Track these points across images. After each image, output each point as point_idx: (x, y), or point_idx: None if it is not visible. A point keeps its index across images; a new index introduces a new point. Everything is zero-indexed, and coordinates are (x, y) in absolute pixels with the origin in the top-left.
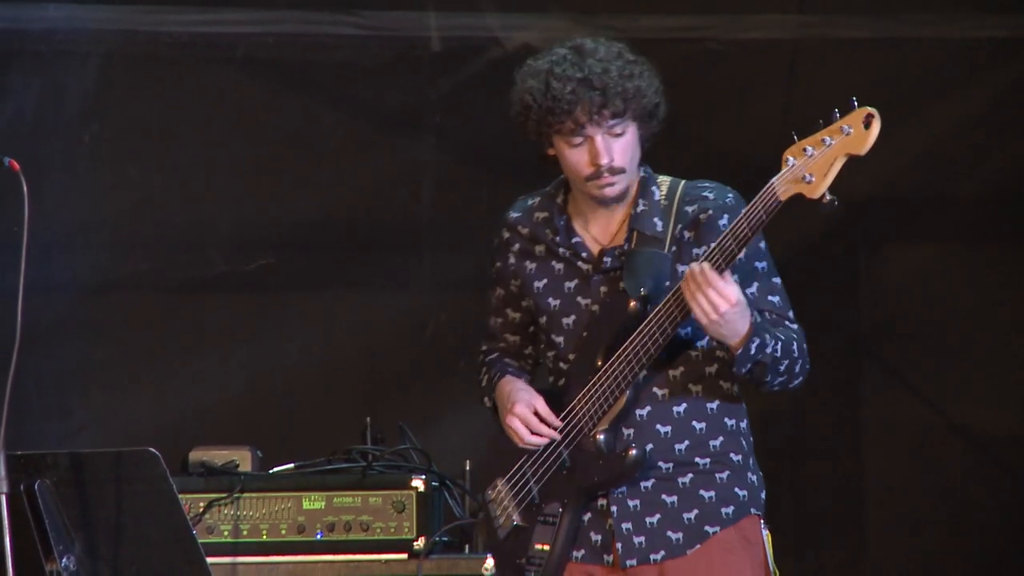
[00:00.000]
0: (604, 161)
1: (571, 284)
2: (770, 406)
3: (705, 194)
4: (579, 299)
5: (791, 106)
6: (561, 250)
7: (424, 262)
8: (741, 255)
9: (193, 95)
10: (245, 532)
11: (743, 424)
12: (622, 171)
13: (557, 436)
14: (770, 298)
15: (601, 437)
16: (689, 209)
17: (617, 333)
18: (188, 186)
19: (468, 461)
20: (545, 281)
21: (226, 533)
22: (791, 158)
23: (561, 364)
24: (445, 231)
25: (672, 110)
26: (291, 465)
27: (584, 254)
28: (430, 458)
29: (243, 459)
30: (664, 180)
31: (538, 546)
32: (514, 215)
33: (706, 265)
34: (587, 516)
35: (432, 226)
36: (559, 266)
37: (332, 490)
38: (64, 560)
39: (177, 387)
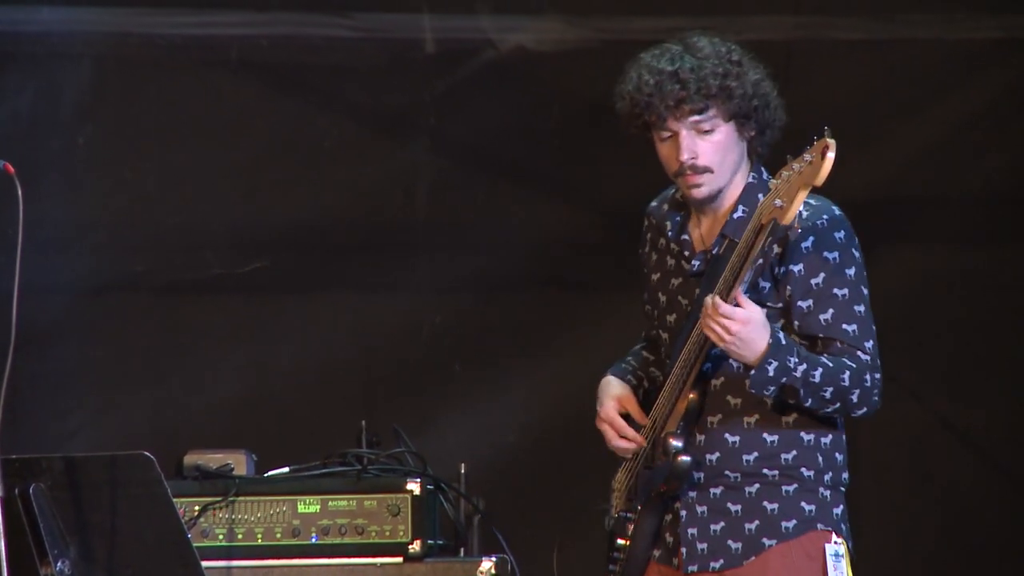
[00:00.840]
0: (684, 157)
1: (676, 281)
2: None
3: (801, 210)
4: (680, 298)
5: (787, 108)
6: (673, 246)
7: (419, 264)
8: (818, 279)
9: (187, 97)
10: (240, 536)
11: (825, 440)
12: (707, 171)
13: (639, 440)
14: (844, 327)
15: (672, 440)
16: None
17: (689, 337)
18: (183, 188)
19: (463, 464)
20: (659, 275)
21: (221, 537)
22: (774, 180)
23: (667, 360)
24: (441, 233)
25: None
26: (286, 469)
27: (687, 253)
28: (425, 461)
29: (238, 463)
30: None
31: (620, 540)
32: (652, 204)
33: (716, 299)
34: (668, 517)
35: (427, 228)
36: (671, 262)
37: (327, 493)
38: (59, 564)
39: (172, 390)
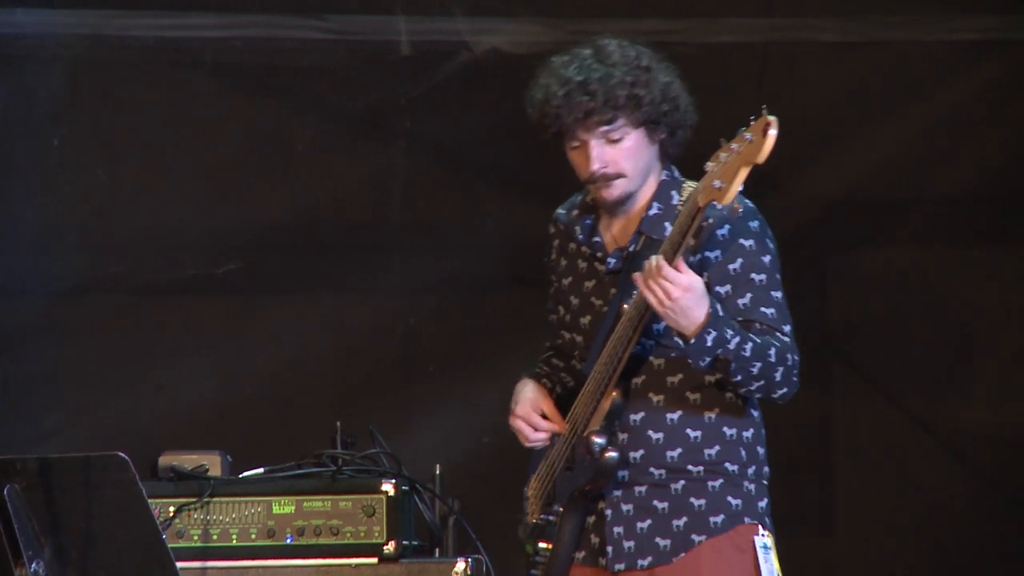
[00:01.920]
0: (594, 167)
1: (589, 284)
2: None
3: (714, 202)
4: (593, 299)
5: (762, 109)
6: (584, 249)
7: (394, 266)
8: (735, 264)
9: (161, 99)
10: (215, 537)
11: (747, 434)
12: (619, 176)
13: (556, 427)
14: (763, 309)
15: (595, 439)
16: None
17: (610, 334)
18: (157, 190)
19: (438, 465)
20: (570, 279)
21: (196, 538)
22: (710, 163)
23: (580, 364)
24: (415, 235)
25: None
26: (261, 469)
27: (600, 254)
28: (400, 462)
29: (213, 463)
30: (689, 186)
31: (542, 544)
32: (559, 211)
33: (659, 258)
34: (591, 519)
35: (402, 230)
36: (583, 265)
37: (302, 494)
38: (33, 565)
39: (147, 391)
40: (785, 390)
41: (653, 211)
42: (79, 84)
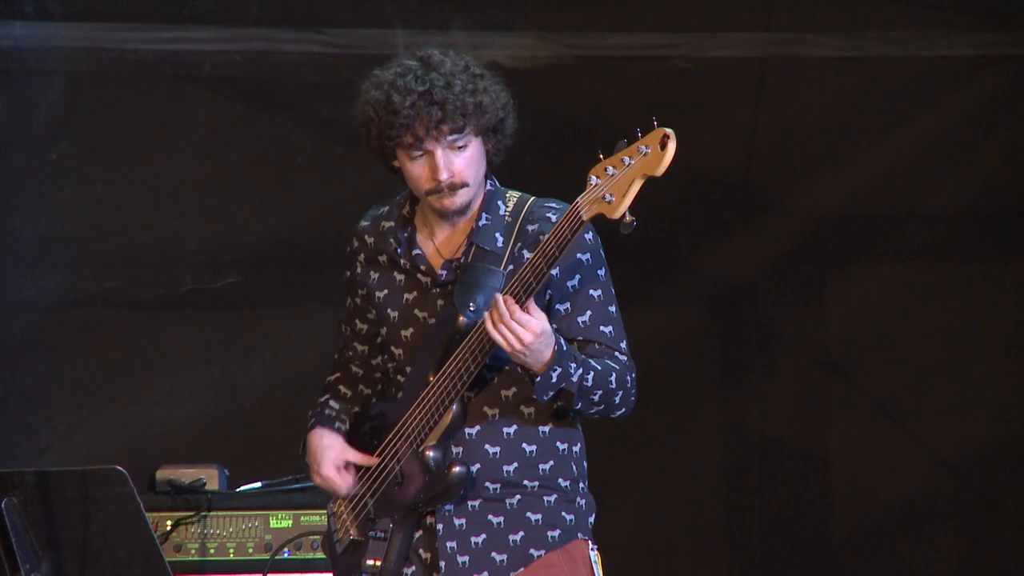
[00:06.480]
0: (443, 177)
1: (410, 296)
2: (737, 423)
3: (548, 215)
4: (416, 311)
5: (759, 124)
6: (402, 261)
7: None
8: (574, 281)
9: (160, 113)
10: (212, 550)
11: (576, 448)
12: (464, 185)
13: (356, 490)
14: (602, 328)
15: (430, 453)
16: (531, 228)
17: (447, 347)
18: (155, 203)
19: None
20: (386, 292)
21: (193, 551)
22: (594, 177)
23: (399, 376)
24: None
25: (640, 127)
26: (258, 484)
27: (423, 267)
28: None
29: (210, 477)
30: (512, 195)
31: (370, 561)
32: (363, 224)
33: (508, 298)
34: (418, 534)
35: None
36: (400, 277)
37: (299, 508)
38: None
39: (144, 405)
40: (623, 411)
41: (483, 222)
42: (78, 97)
